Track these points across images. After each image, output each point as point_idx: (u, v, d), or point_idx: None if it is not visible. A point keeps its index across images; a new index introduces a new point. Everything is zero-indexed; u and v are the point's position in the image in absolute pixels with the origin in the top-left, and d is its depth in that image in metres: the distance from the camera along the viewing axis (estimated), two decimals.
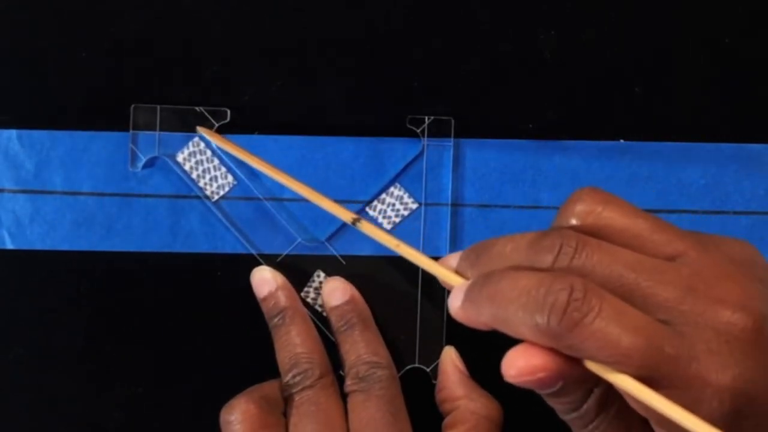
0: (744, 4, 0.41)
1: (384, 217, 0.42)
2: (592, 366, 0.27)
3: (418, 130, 0.41)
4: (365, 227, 0.37)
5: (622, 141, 0.41)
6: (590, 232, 0.29)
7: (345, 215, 0.38)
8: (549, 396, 0.29)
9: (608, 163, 0.41)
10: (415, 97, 0.42)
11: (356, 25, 0.42)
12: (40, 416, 0.42)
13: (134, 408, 0.42)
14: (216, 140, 0.41)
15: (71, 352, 0.42)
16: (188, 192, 0.42)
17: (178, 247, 0.42)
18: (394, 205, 0.41)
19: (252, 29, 0.42)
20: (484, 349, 0.41)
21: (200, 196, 0.41)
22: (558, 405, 0.30)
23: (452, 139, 0.41)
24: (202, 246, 0.42)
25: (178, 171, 0.41)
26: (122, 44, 0.41)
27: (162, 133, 0.41)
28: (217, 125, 0.41)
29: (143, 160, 0.41)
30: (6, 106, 0.41)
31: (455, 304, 0.31)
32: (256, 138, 0.41)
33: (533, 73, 0.41)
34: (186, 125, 0.41)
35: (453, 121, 0.41)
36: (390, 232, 0.35)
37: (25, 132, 0.41)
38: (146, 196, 0.42)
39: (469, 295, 0.30)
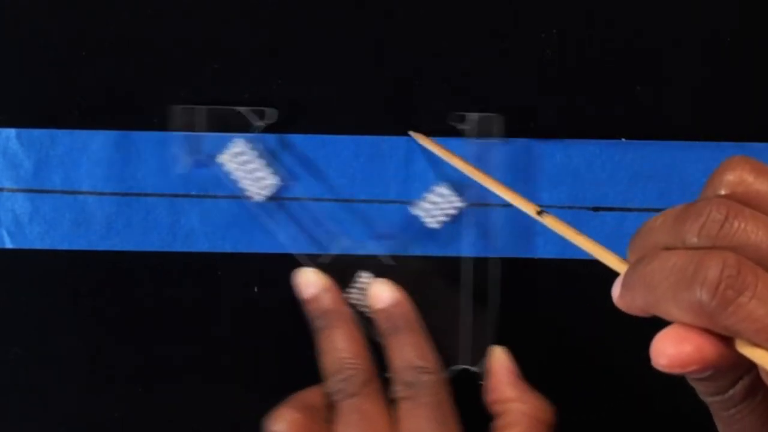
0: (744, 4, 0.42)
1: (430, 216, 0.41)
2: (746, 351, 0.25)
3: (466, 127, 0.41)
4: (549, 221, 0.34)
5: (623, 140, 0.41)
6: (741, 203, 0.26)
7: (528, 207, 0.35)
8: (695, 379, 0.28)
9: (610, 162, 0.41)
10: (416, 96, 0.41)
11: (357, 23, 0.42)
12: (39, 416, 0.42)
13: (134, 408, 0.42)
14: (427, 144, 0.40)
15: (71, 351, 0.41)
16: (187, 191, 0.41)
17: (178, 247, 0.41)
18: (438, 203, 0.41)
19: (252, 28, 0.42)
20: (534, 349, 0.40)
21: (239, 196, 0.41)
22: (701, 387, 0.28)
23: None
24: (202, 245, 0.41)
25: (220, 172, 0.41)
26: (122, 43, 0.41)
27: (203, 134, 0.41)
28: (264, 125, 0.41)
29: (187, 161, 0.41)
30: (5, 105, 0.41)
31: (615, 294, 0.29)
32: (255, 137, 0.41)
33: (534, 73, 0.41)
34: (226, 126, 0.41)
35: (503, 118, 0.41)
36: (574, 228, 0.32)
37: (24, 131, 0.41)
38: (146, 195, 0.41)
39: (624, 281, 0.28)
